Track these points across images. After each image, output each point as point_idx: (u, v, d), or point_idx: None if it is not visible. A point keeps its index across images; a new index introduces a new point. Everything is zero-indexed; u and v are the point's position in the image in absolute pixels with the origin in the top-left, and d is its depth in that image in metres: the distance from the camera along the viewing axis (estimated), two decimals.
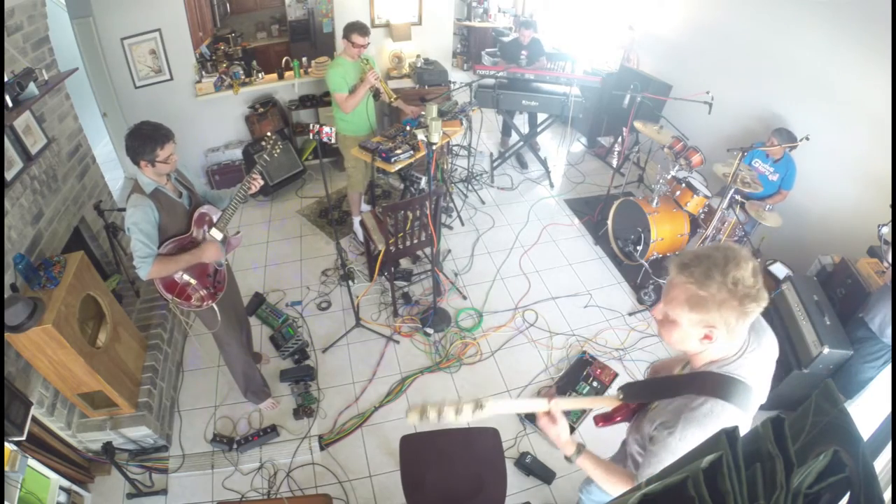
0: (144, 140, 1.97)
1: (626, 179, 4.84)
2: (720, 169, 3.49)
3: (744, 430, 1.18)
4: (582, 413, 2.87)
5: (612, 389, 3.03)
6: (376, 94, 3.57)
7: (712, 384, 1.15)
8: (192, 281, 2.26)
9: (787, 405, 2.76)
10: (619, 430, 1.60)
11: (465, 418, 1.26)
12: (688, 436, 1.13)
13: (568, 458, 1.38)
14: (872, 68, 3.13)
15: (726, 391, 1.13)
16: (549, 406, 1.35)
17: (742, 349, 1.18)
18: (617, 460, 1.60)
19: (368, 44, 3.50)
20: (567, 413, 2.85)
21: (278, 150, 2.37)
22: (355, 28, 3.42)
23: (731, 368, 1.16)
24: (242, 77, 4.66)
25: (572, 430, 2.80)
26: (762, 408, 1.42)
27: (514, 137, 5.63)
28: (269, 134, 2.39)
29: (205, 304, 2.32)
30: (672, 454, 1.15)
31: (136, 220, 2.00)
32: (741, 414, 1.15)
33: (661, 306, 1.17)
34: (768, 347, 1.24)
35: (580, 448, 1.37)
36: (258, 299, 3.58)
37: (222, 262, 2.42)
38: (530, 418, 2.84)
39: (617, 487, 1.32)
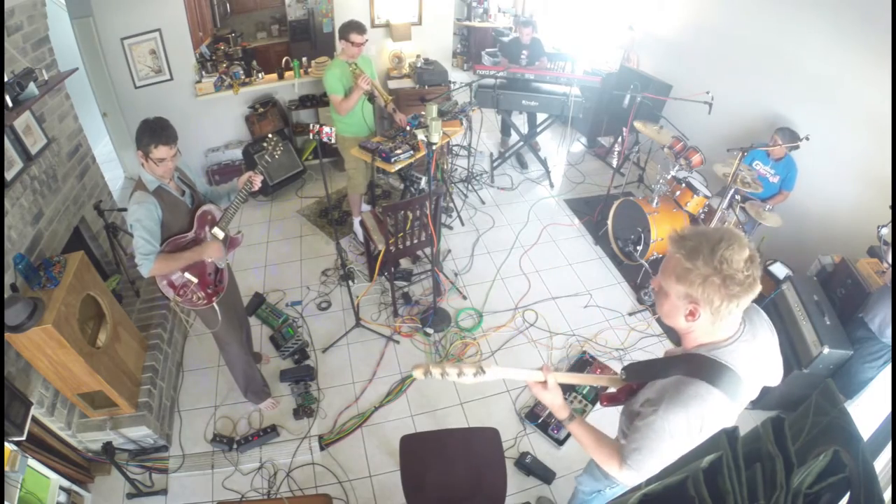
0: (148, 132, 1.97)
1: (626, 179, 4.83)
2: (720, 169, 3.49)
3: (731, 420, 1.19)
4: (582, 412, 2.88)
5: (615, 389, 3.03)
6: (371, 97, 3.57)
7: (700, 366, 1.15)
8: (194, 280, 2.26)
9: (787, 405, 2.76)
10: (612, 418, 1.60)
11: (467, 381, 1.27)
12: (670, 416, 1.13)
13: (560, 423, 1.39)
14: (872, 68, 3.13)
15: (714, 376, 1.13)
16: (545, 377, 1.35)
17: (734, 337, 1.18)
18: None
19: (367, 41, 3.49)
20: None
21: (279, 152, 2.38)
22: (352, 27, 3.42)
23: (721, 354, 1.16)
24: (242, 77, 4.66)
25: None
26: (763, 407, 1.42)
27: (514, 137, 5.64)
28: (270, 135, 2.40)
29: (206, 303, 2.33)
30: (654, 432, 1.15)
31: (138, 216, 2.00)
32: (728, 402, 1.14)
33: (658, 276, 1.20)
34: (764, 341, 1.24)
35: (572, 415, 1.40)
36: (258, 299, 3.58)
37: (223, 261, 2.42)
38: (531, 418, 2.84)
39: (603, 457, 1.33)
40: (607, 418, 2.89)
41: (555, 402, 1.38)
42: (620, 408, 1.46)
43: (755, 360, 1.20)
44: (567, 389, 3.00)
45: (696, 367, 1.16)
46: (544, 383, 1.36)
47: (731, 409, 1.17)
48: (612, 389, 1.45)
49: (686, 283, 1.09)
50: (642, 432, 1.18)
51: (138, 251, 2.02)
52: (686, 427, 1.13)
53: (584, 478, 1.87)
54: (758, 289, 1.08)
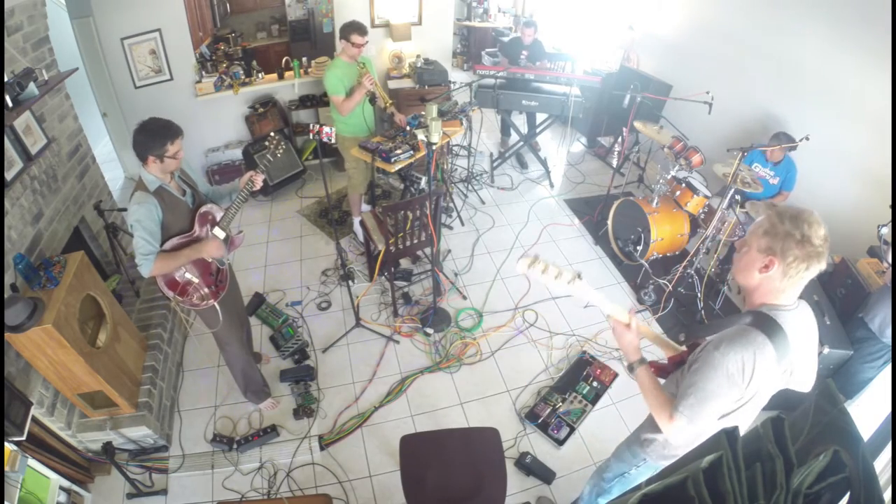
0: (155, 135, 1.98)
1: (626, 179, 4.84)
2: (720, 169, 3.49)
3: (773, 388, 1.34)
4: (582, 412, 2.88)
5: (613, 390, 3.03)
6: (372, 98, 3.57)
7: (761, 320, 1.30)
8: (195, 279, 2.26)
9: (787, 405, 2.76)
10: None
11: (561, 285, 1.39)
12: (729, 352, 1.27)
13: (630, 367, 1.54)
14: (872, 68, 3.13)
15: (772, 331, 1.27)
16: (629, 319, 1.52)
17: (792, 306, 1.33)
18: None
19: (367, 42, 3.50)
20: (568, 413, 2.87)
21: (281, 151, 2.38)
22: (354, 28, 3.42)
23: (779, 315, 1.30)
24: (242, 77, 4.66)
25: (572, 429, 2.80)
26: (764, 407, 1.43)
27: (514, 137, 5.64)
28: (272, 134, 2.39)
29: (207, 303, 2.32)
30: (713, 368, 1.28)
31: (139, 216, 2.00)
32: (775, 362, 1.28)
33: (745, 236, 1.36)
34: (810, 332, 1.39)
35: (643, 359, 1.53)
36: (258, 299, 3.58)
37: (224, 261, 2.42)
38: (531, 417, 2.84)
39: (659, 404, 1.43)
40: (607, 418, 2.90)
41: (632, 344, 1.53)
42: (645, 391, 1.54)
43: (801, 340, 1.33)
44: (566, 389, 3.00)
45: (758, 319, 1.30)
46: (628, 325, 1.52)
47: (776, 372, 1.31)
48: (664, 360, 1.59)
49: (770, 236, 1.27)
50: (701, 372, 1.31)
51: (138, 251, 2.02)
52: (741, 368, 1.26)
53: (610, 462, 1.91)
54: (825, 263, 1.26)
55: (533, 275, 1.38)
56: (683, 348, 1.56)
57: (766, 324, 1.28)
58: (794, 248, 1.24)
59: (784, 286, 1.30)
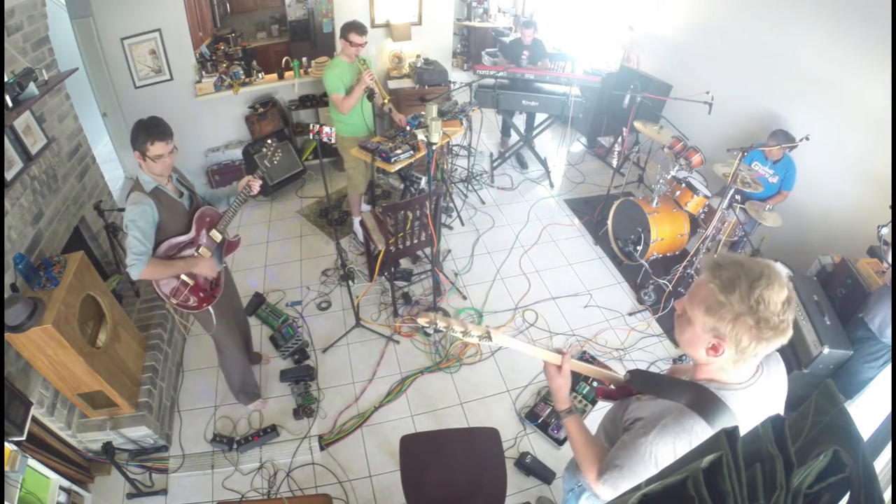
0: (139, 131, 1.98)
1: (626, 179, 4.84)
2: (720, 169, 3.49)
3: None
4: (582, 413, 2.87)
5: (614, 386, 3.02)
6: (370, 94, 3.58)
7: (704, 402, 1.10)
8: (190, 282, 2.26)
9: (788, 405, 2.75)
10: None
11: (471, 341, 1.27)
12: (659, 443, 1.10)
13: (558, 414, 1.40)
14: (872, 68, 3.13)
15: (715, 417, 1.08)
16: (561, 360, 1.36)
17: (747, 383, 1.13)
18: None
19: (366, 42, 3.50)
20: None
21: (278, 158, 2.38)
22: (353, 27, 3.44)
23: (728, 396, 1.10)
24: (242, 77, 4.65)
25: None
26: None
27: (514, 137, 5.64)
28: (269, 140, 2.41)
29: (202, 306, 2.33)
30: (640, 455, 1.12)
31: (134, 216, 2.00)
32: None
33: (684, 300, 1.12)
34: (774, 391, 1.19)
35: (572, 409, 1.39)
36: (258, 299, 3.58)
37: (220, 265, 2.41)
38: (531, 418, 2.84)
39: (587, 461, 1.29)
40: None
41: (562, 390, 1.37)
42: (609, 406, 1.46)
43: (757, 409, 1.14)
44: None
45: (701, 401, 1.11)
46: (559, 367, 1.37)
47: None
48: (611, 386, 1.47)
49: (715, 317, 1.02)
50: (629, 451, 1.16)
51: (131, 251, 2.01)
52: (672, 457, 1.09)
53: (565, 474, 1.84)
54: (789, 334, 1.02)
55: (439, 329, 1.26)
56: (624, 382, 1.41)
57: (709, 408, 1.09)
58: (749, 330, 0.99)
59: (739, 364, 1.08)
